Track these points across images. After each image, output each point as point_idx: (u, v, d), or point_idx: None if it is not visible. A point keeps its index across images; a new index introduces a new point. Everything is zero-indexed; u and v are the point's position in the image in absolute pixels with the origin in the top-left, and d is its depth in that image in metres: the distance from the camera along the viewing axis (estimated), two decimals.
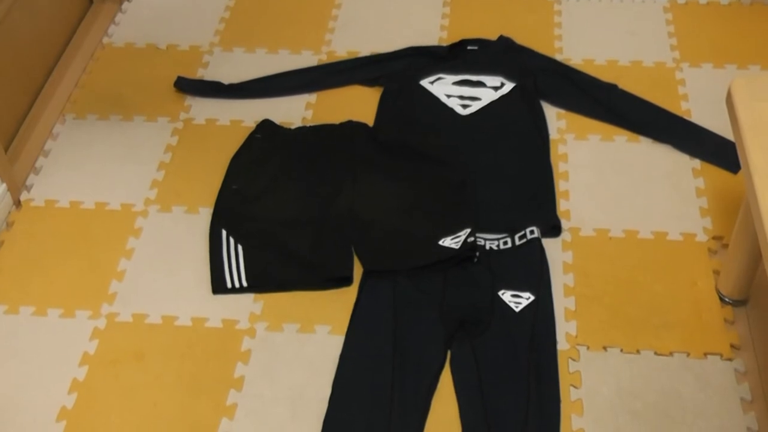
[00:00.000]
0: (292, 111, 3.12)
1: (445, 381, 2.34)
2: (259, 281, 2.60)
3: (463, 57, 3.25)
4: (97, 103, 3.20)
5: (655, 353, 2.39)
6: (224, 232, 2.70)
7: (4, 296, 2.61)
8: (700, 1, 3.49)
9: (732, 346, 2.39)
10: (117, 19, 3.55)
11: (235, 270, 2.61)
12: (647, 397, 2.30)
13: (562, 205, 2.77)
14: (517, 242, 2.61)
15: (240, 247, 2.66)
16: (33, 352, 2.47)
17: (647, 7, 3.48)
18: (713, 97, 3.04)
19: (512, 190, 2.80)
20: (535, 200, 2.77)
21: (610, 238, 2.68)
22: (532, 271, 2.56)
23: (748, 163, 1.92)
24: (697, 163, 2.87)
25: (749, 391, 2.30)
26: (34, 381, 2.40)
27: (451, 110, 3.06)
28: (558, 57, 3.27)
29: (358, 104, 3.12)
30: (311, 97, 3.18)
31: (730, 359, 2.36)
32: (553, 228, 2.69)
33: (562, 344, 2.41)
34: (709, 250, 2.62)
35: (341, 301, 2.53)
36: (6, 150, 2.91)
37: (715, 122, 2.96)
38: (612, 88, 3.13)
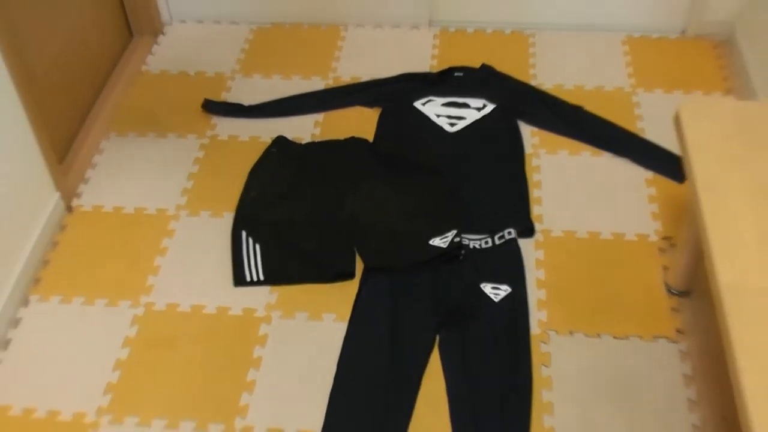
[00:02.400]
0: (303, 128, 3.13)
1: (434, 361, 2.36)
2: (274, 275, 2.61)
3: (450, 82, 3.26)
4: (136, 122, 3.20)
5: (613, 337, 2.41)
6: (244, 233, 2.71)
7: (59, 288, 2.62)
8: (652, 36, 3.50)
9: (677, 330, 2.41)
10: (153, 50, 3.56)
11: (254, 266, 2.62)
12: (606, 374, 2.31)
13: (535, 210, 2.78)
14: (497, 242, 2.63)
15: (258, 246, 2.67)
16: (83, 335, 2.48)
17: (608, 40, 3.48)
18: (664, 118, 3.05)
19: (492, 196, 2.81)
20: (512, 206, 2.78)
21: (576, 238, 2.69)
22: (509, 266, 2.58)
23: (692, 174, 1.94)
24: (649, 174, 2.88)
25: (690, 368, 2.32)
26: (84, 360, 2.42)
27: (440, 128, 3.07)
28: (532, 83, 3.28)
29: (360, 122, 3.13)
30: (319, 117, 3.18)
31: (675, 342, 2.38)
32: (527, 229, 2.70)
33: (534, 329, 2.43)
34: (659, 248, 2.64)
35: (345, 293, 2.54)
36: (60, 162, 2.92)
37: (665, 140, 2.97)
38: (578, 110, 3.14)
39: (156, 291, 2.60)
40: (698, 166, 1.95)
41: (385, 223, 2.73)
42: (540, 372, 2.33)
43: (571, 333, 2.43)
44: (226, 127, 3.16)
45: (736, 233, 1.78)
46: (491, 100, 3.16)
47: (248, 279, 2.61)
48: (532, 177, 2.90)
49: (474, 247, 2.62)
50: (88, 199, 2.91)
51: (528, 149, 3.00)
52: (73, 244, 2.76)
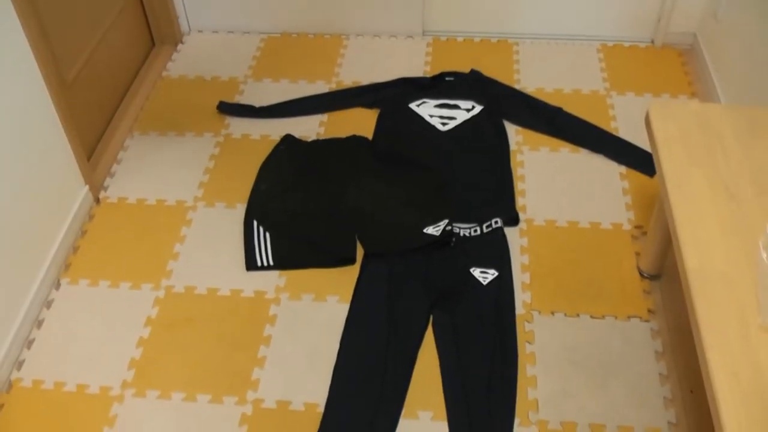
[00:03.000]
0: (309, 128, 3.12)
1: (428, 338, 2.35)
2: (283, 261, 2.60)
3: (442, 86, 3.25)
4: (158, 122, 3.20)
5: (591, 317, 2.40)
6: (255, 222, 2.70)
7: (87, 272, 2.61)
8: (625, 44, 3.49)
9: (649, 310, 2.40)
10: (173, 57, 3.55)
11: (264, 252, 2.61)
12: (584, 350, 2.30)
13: (519, 201, 2.77)
14: (485, 230, 2.62)
15: (268, 234, 2.66)
16: (109, 315, 2.47)
17: (584, 48, 3.47)
18: (635, 118, 3.07)
19: (481, 189, 2.80)
20: (498, 197, 2.77)
21: (557, 227, 2.68)
22: (496, 252, 2.56)
23: (661, 169, 1.93)
24: (623, 169, 2.87)
25: (661, 344, 2.31)
26: (110, 338, 2.41)
27: (433, 127, 3.06)
28: (516, 86, 3.27)
29: (360, 122, 3.12)
30: (323, 117, 3.17)
31: (647, 321, 2.37)
32: (512, 219, 2.69)
33: (519, 309, 2.42)
34: (632, 236, 2.63)
35: (347, 277, 2.53)
36: (89, 159, 2.92)
37: (637, 137, 2.97)
38: (558, 111, 3.13)
39: (175, 275, 2.59)
40: (667, 162, 1.94)
41: (384, 213, 2.72)
42: (524, 348, 2.32)
43: (552, 313, 2.42)
44: (239, 126, 3.15)
45: (701, 223, 1.78)
46: (479, 101, 3.15)
47: (259, 264, 2.59)
48: (517, 171, 2.89)
49: (464, 234, 2.61)
50: (113, 191, 2.90)
51: (513, 146, 2.99)
52: (100, 233, 2.75)
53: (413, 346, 2.33)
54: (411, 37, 3.60)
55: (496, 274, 2.49)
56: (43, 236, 2.56)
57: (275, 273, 2.58)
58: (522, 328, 2.37)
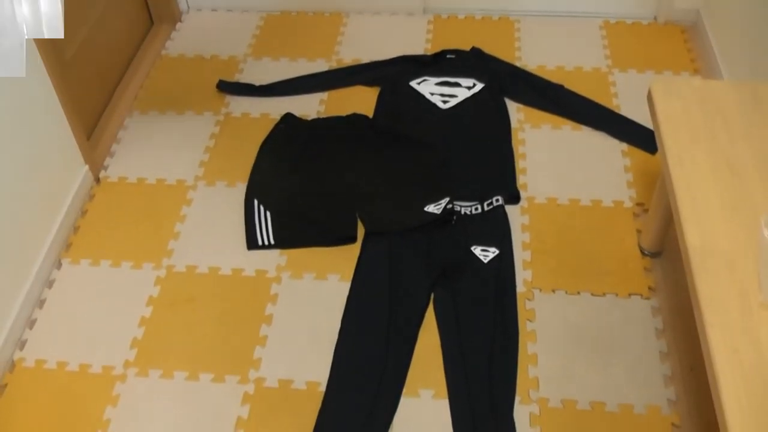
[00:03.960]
0: (309, 106, 3.11)
1: (429, 317, 2.36)
2: (284, 239, 2.60)
3: (443, 63, 3.24)
4: (157, 101, 3.19)
5: (592, 294, 2.40)
6: (256, 202, 2.70)
7: (89, 252, 2.62)
8: (627, 21, 3.47)
9: (650, 288, 2.40)
10: (172, 36, 3.54)
11: (265, 231, 2.61)
12: (586, 328, 2.31)
13: (520, 179, 2.77)
14: (486, 208, 2.62)
15: (268, 213, 2.65)
16: (111, 295, 2.48)
17: (586, 25, 3.46)
18: (637, 95, 3.05)
19: (481, 167, 2.80)
20: (499, 175, 2.77)
21: (558, 205, 2.68)
22: (497, 230, 2.56)
23: (663, 146, 1.93)
24: (624, 146, 2.87)
25: (661, 322, 2.32)
26: (112, 317, 2.41)
27: (434, 105, 3.05)
28: (518, 63, 3.26)
29: (361, 100, 3.11)
30: (324, 95, 3.16)
31: (648, 298, 2.37)
32: (513, 197, 2.69)
33: (520, 287, 2.42)
34: (634, 214, 2.63)
35: (348, 255, 2.53)
36: (88, 138, 2.91)
37: (639, 115, 2.96)
38: (559, 88, 3.12)
39: (176, 254, 2.59)
40: (668, 139, 1.94)
41: (384, 191, 2.72)
42: (525, 327, 2.32)
43: (553, 291, 2.42)
44: (239, 105, 3.15)
45: (703, 200, 1.77)
46: (480, 79, 3.14)
47: (260, 243, 2.60)
48: (518, 149, 2.88)
49: (465, 213, 2.61)
50: (114, 171, 2.90)
51: (514, 124, 2.98)
52: (100, 212, 2.75)
53: (414, 325, 2.33)
54: (412, 14, 3.59)
55: (497, 251, 2.49)
56: (44, 216, 2.56)
57: (276, 252, 2.58)
58: (523, 305, 2.38)
